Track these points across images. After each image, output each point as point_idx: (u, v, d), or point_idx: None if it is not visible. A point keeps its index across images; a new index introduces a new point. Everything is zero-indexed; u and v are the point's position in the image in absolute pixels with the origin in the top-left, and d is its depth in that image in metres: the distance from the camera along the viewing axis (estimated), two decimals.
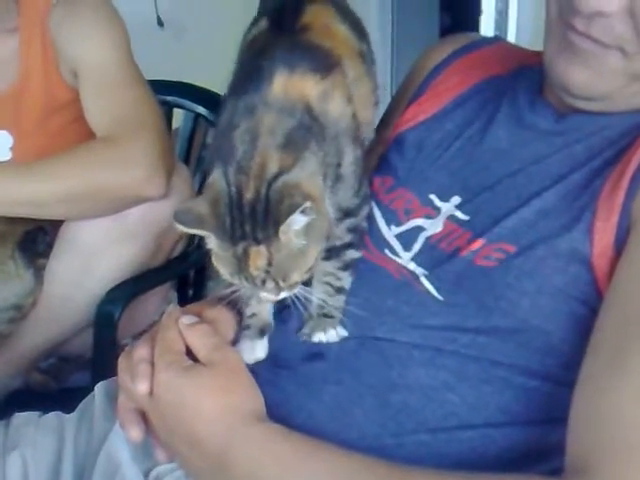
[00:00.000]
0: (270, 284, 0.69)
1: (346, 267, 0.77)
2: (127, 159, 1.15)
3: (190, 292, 1.57)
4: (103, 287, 1.23)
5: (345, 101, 0.73)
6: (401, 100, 0.93)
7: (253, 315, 0.79)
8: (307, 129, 0.68)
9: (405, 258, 0.78)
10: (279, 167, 0.66)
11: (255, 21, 0.80)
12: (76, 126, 1.29)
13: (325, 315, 0.76)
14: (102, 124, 1.19)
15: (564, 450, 0.62)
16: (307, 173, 0.67)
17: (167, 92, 1.46)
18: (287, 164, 0.66)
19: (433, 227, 0.78)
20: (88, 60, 1.22)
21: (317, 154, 0.68)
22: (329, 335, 0.76)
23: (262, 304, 0.78)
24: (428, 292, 0.74)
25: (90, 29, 1.23)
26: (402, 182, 0.83)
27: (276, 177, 0.66)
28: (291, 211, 0.65)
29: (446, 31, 3.22)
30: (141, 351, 0.78)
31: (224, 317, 0.81)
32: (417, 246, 0.78)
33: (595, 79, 0.71)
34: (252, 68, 0.71)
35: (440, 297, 0.73)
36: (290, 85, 0.69)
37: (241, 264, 0.67)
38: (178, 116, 1.59)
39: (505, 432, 0.68)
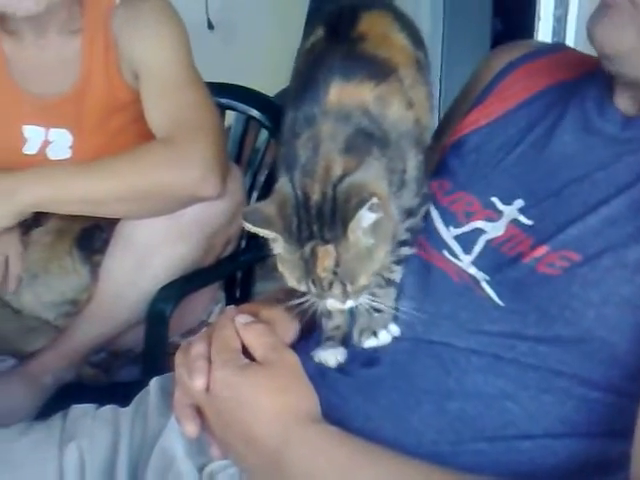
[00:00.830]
0: (337, 288, 0.69)
1: (399, 262, 0.77)
2: (185, 160, 1.17)
3: (237, 292, 1.59)
4: (156, 285, 1.26)
5: (404, 106, 0.74)
6: (461, 105, 0.93)
7: (337, 327, 0.79)
8: (367, 135, 0.69)
9: (465, 261, 0.77)
10: (343, 170, 0.67)
11: (312, 30, 0.80)
12: (135, 126, 1.32)
13: (375, 310, 0.76)
14: (161, 125, 1.22)
15: (625, 464, 0.61)
16: (371, 176, 0.68)
17: (220, 94, 1.47)
18: (351, 167, 0.67)
19: (494, 230, 0.77)
20: (149, 62, 1.25)
21: (380, 160, 0.69)
22: (381, 338, 0.75)
23: (343, 315, 0.78)
24: (488, 297, 0.73)
25: (152, 31, 1.25)
26: (462, 185, 0.82)
27: (341, 179, 0.67)
28: (359, 207, 0.65)
29: (498, 36, 3.18)
30: (198, 348, 0.79)
31: (280, 318, 0.82)
32: (477, 249, 0.77)
33: (616, 33, 0.71)
34: (309, 78, 0.72)
35: (501, 303, 0.72)
36: (346, 93, 0.70)
37: (308, 266, 0.68)
38: (229, 118, 1.62)
39: (565, 443, 0.68)
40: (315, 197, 0.67)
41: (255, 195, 1.56)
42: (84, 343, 1.30)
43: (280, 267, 0.71)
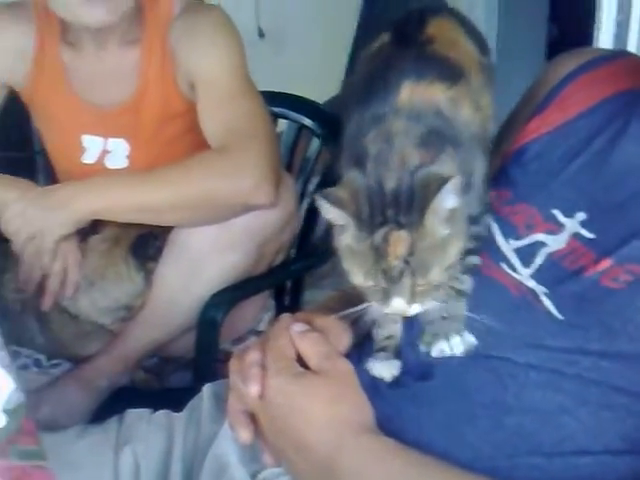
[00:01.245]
0: (407, 279, 0.66)
1: (467, 271, 0.76)
2: (238, 169, 1.19)
3: (287, 300, 1.60)
4: (208, 292, 1.27)
5: (473, 109, 0.73)
6: (521, 114, 0.92)
7: (389, 337, 0.78)
8: (440, 134, 0.69)
9: (524, 274, 0.76)
10: (419, 162, 0.66)
11: (375, 36, 0.81)
12: (189, 136, 1.34)
13: (445, 325, 0.74)
14: (216, 134, 1.24)
15: None
16: (447, 169, 0.67)
17: (273, 103, 1.49)
18: (426, 160, 0.66)
19: (556, 243, 0.76)
20: (205, 73, 1.27)
21: (454, 158, 0.69)
22: (453, 343, 0.74)
23: (396, 325, 0.78)
24: (548, 311, 0.72)
25: (208, 43, 1.27)
26: (522, 196, 0.81)
27: (418, 168, 0.66)
28: (441, 186, 0.64)
29: (554, 43, 3.13)
30: (253, 355, 0.80)
31: (334, 327, 0.82)
32: (537, 262, 0.76)
33: None
34: (377, 79, 0.73)
35: (561, 317, 0.71)
36: (418, 92, 0.70)
37: (379, 253, 0.66)
38: (281, 126, 1.63)
39: (625, 460, 0.66)
40: (390, 184, 0.66)
41: (306, 203, 1.57)
42: (138, 348, 1.32)
43: (345, 262, 0.69)
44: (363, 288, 0.70)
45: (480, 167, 0.74)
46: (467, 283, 0.76)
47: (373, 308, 0.72)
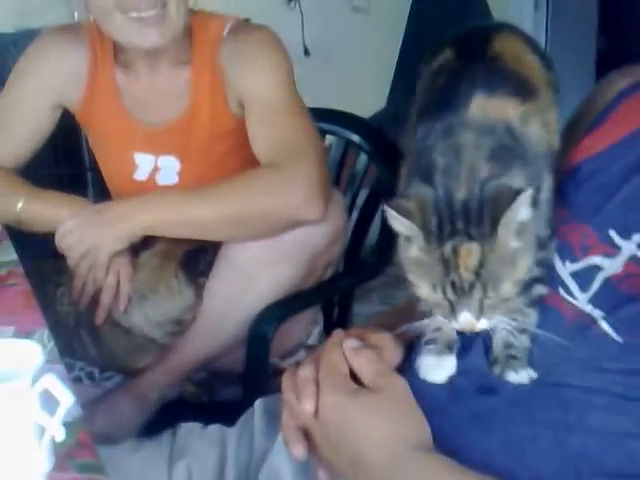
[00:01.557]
0: (478, 292, 0.66)
1: (532, 304, 0.75)
2: (289, 184, 1.20)
3: (335, 314, 1.60)
4: (258, 306, 1.28)
5: (542, 127, 0.73)
6: (575, 130, 0.91)
7: (438, 329, 0.76)
8: (510, 149, 0.68)
9: (581, 300, 0.75)
10: (489, 174, 0.66)
11: (434, 52, 0.81)
12: (239, 153, 1.36)
13: (511, 357, 0.74)
14: (266, 151, 1.25)
15: None
16: (516, 183, 0.67)
17: (321, 119, 1.50)
18: (496, 173, 0.66)
19: (612, 267, 0.75)
20: (255, 91, 1.29)
21: (522, 174, 0.68)
22: (521, 376, 0.73)
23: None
24: (606, 334, 0.71)
25: (257, 62, 1.29)
26: (578, 215, 0.80)
27: (488, 180, 0.66)
28: (515, 198, 0.63)
29: (603, 55, 3.09)
30: (306, 371, 0.80)
31: (387, 343, 0.82)
32: (595, 287, 0.75)
33: None
34: (445, 92, 0.73)
35: (620, 339, 0.70)
36: (489, 107, 0.70)
37: (448, 266, 0.65)
38: (328, 141, 1.64)
39: None
40: (460, 195, 0.66)
41: (354, 217, 1.57)
42: (188, 361, 1.33)
43: (412, 275, 0.69)
44: (429, 301, 0.69)
45: (547, 185, 0.73)
46: (532, 317, 0.75)
47: (438, 321, 0.72)
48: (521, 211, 0.65)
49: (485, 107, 0.70)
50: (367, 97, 2.82)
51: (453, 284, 0.66)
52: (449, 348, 0.76)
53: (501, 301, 0.67)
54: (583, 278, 0.76)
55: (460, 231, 0.65)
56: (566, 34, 2.98)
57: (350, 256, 1.53)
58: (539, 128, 0.72)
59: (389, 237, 1.55)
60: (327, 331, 1.50)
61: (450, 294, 0.67)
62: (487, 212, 0.65)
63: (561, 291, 0.76)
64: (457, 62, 0.76)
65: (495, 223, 0.64)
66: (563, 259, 0.78)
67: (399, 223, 0.68)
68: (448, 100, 0.71)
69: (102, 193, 1.57)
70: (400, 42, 2.80)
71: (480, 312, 0.67)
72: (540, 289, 0.76)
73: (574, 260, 0.77)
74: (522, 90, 0.72)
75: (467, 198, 0.66)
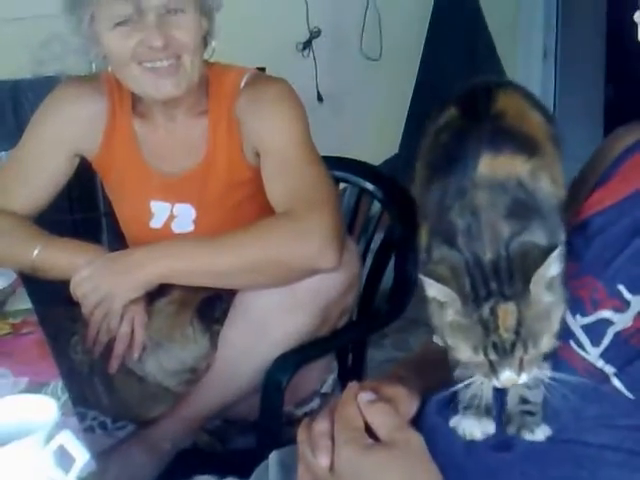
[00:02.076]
0: (519, 350, 0.67)
1: (546, 357, 0.74)
2: (304, 233, 1.21)
3: (350, 361, 1.59)
4: (272, 354, 1.28)
5: (551, 181, 0.74)
6: (584, 184, 0.92)
7: (474, 397, 0.76)
8: (525, 205, 0.69)
9: (593, 354, 0.75)
10: (511, 232, 0.67)
11: (440, 110, 0.82)
12: (254, 202, 1.37)
13: (527, 413, 0.74)
14: (281, 200, 1.27)
15: None
16: (538, 238, 0.68)
17: (335, 167, 1.51)
18: (518, 230, 0.67)
19: (622, 321, 0.75)
20: (270, 142, 1.31)
21: (542, 228, 0.69)
22: (536, 435, 0.73)
23: (485, 385, 0.76)
24: (618, 391, 0.71)
25: (273, 114, 1.31)
26: (587, 269, 0.81)
27: (511, 238, 0.67)
28: (545, 256, 0.65)
29: (611, 104, 3.12)
30: (321, 425, 0.79)
31: (403, 396, 0.81)
32: (606, 341, 0.75)
33: None
34: (452, 153, 0.74)
35: (631, 396, 0.70)
36: (497, 165, 0.71)
37: (489, 326, 0.66)
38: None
39: None
40: (488, 257, 0.67)
41: (369, 262, 1.58)
42: (202, 411, 1.32)
43: (450, 338, 0.70)
44: (470, 363, 0.70)
45: (562, 238, 0.73)
46: (546, 370, 0.74)
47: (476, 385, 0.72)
48: (552, 268, 0.66)
49: (493, 165, 0.71)
50: (380, 143, 2.85)
51: (494, 345, 0.67)
52: (488, 412, 0.77)
53: (540, 355, 0.68)
54: (594, 332, 0.76)
55: (495, 292, 0.66)
56: (575, 83, 3.01)
57: (364, 302, 1.53)
58: (549, 183, 0.73)
59: (402, 283, 1.56)
60: (342, 378, 1.49)
61: (492, 355, 0.68)
62: (518, 271, 0.66)
63: (573, 344, 0.77)
64: (461, 120, 0.77)
65: (527, 281, 0.66)
66: (574, 313, 0.78)
67: (436, 290, 0.69)
68: (456, 160, 0.72)
69: (117, 238, 1.58)
70: (412, 89, 2.84)
71: (521, 368, 0.68)
72: (554, 342, 0.76)
73: (584, 314, 0.78)
74: (527, 147, 0.73)
75: (495, 258, 0.67)
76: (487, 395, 0.76)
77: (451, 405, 0.79)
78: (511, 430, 0.75)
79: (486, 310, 0.66)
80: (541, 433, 0.73)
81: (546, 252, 0.65)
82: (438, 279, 0.68)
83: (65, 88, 1.42)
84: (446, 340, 0.70)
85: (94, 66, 1.38)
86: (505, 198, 0.69)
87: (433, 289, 0.69)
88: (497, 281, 0.66)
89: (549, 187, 0.73)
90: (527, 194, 0.70)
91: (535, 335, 0.67)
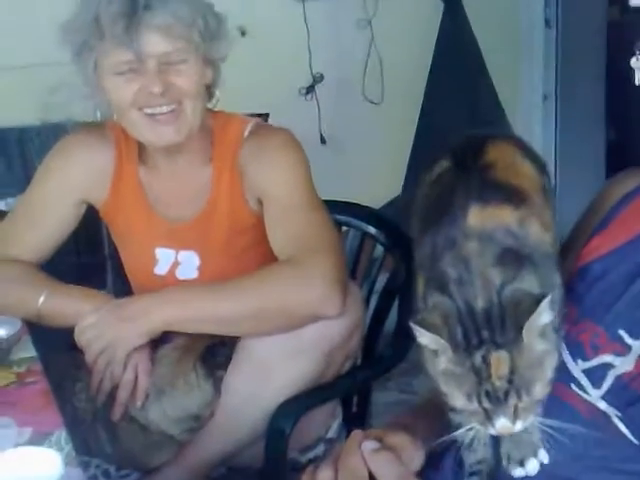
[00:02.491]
0: (513, 398, 0.67)
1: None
2: (307, 280, 1.21)
3: (354, 407, 1.58)
4: (276, 401, 1.27)
5: (542, 228, 0.75)
6: (584, 229, 0.93)
7: (482, 461, 0.77)
8: (515, 253, 0.70)
9: (594, 396, 0.75)
10: (502, 280, 0.68)
11: (434, 161, 0.84)
12: (257, 248, 1.38)
13: (521, 447, 0.73)
14: (284, 247, 1.28)
15: None
16: (529, 286, 0.68)
17: (337, 212, 1.53)
18: (508, 277, 0.68)
19: (624, 365, 0.76)
20: (272, 189, 1.32)
21: (534, 276, 0.70)
22: (529, 467, 0.73)
23: (488, 448, 0.77)
24: (621, 434, 0.71)
25: (276, 163, 1.33)
26: (588, 314, 0.82)
27: (502, 287, 0.68)
28: (536, 304, 0.65)
29: (613, 148, 3.13)
30: (325, 473, 0.79)
31: (407, 445, 0.81)
32: (607, 384, 0.76)
33: None
34: (443, 205, 0.75)
35: (635, 441, 0.70)
36: (486, 215, 0.72)
37: (481, 374, 0.67)
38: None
39: None
40: (479, 305, 0.68)
41: (373, 304, 1.58)
42: (206, 459, 1.31)
43: (444, 386, 0.70)
44: (464, 410, 0.70)
45: (557, 283, 0.74)
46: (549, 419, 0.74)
47: (468, 431, 0.72)
48: (544, 316, 0.67)
49: (482, 216, 0.72)
50: (382, 184, 2.87)
51: (487, 393, 0.67)
52: (491, 477, 0.77)
53: (534, 402, 0.68)
54: (595, 375, 0.77)
55: (487, 340, 0.67)
56: (576, 126, 3.03)
57: (368, 344, 1.53)
58: (538, 229, 0.74)
59: (406, 326, 1.55)
60: (347, 423, 1.48)
61: (486, 403, 0.68)
62: (510, 319, 0.67)
63: (575, 388, 0.77)
64: (453, 172, 0.79)
65: (519, 329, 0.66)
66: (575, 358, 0.79)
67: (427, 339, 0.70)
68: (446, 211, 0.74)
69: (121, 281, 1.59)
70: (413, 132, 2.87)
71: (515, 416, 0.68)
72: (548, 389, 0.75)
73: (585, 358, 0.78)
74: (515, 197, 0.74)
75: (487, 306, 0.68)
76: (489, 460, 0.76)
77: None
78: (503, 452, 0.74)
79: (478, 358, 0.67)
80: (535, 463, 0.72)
81: (537, 300, 0.66)
82: (429, 328, 0.69)
83: (73, 137, 1.44)
84: (440, 388, 0.70)
85: (99, 113, 1.40)
86: (495, 247, 0.70)
87: (424, 338, 0.70)
88: (489, 329, 0.67)
89: (539, 233, 0.74)
90: (517, 241, 0.71)
91: (528, 383, 0.67)
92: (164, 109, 1.27)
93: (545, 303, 0.66)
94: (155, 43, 1.23)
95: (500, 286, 0.68)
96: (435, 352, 0.70)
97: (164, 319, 1.24)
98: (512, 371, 0.66)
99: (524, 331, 0.66)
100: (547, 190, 0.81)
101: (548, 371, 0.68)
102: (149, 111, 1.28)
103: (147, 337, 1.26)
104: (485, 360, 0.66)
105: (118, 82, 1.27)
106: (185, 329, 1.26)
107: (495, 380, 0.66)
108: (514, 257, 0.70)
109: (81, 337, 1.28)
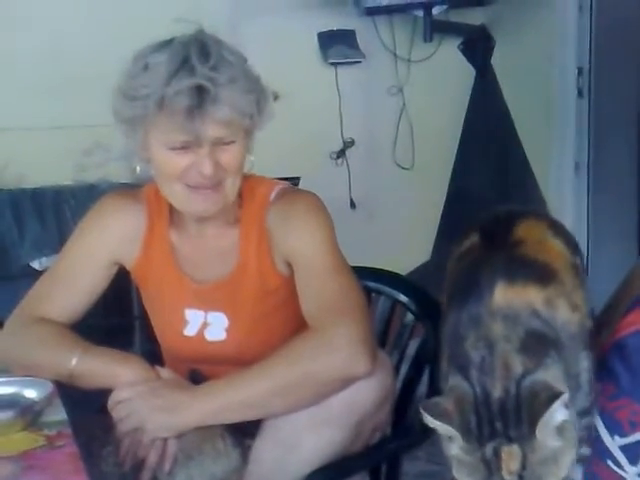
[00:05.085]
0: None
1: (578, 460, 0.74)
2: (333, 346, 1.22)
3: (383, 478, 1.55)
4: (304, 470, 1.25)
5: (570, 309, 0.74)
6: (619, 304, 0.92)
7: None
8: (541, 336, 0.70)
9: (630, 473, 0.75)
10: (523, 369, 0.67)
11: (465, 234, 0.84)
12: (285, 309, 1.39)
13: None
14: (311, 311, 1.29)
15: None
16: (553, 376, 0.67)
17: (367, 278, 1.53)
18: (530, 366, 0.67)
19: None
20: (300, 253, 1.34)
21: (558, 362, 0.69)
22: None
23: None
24: None
25: (303, 225, 1.35)
26: (625, 390, 0.81)
27: (523, 377, 0.67)
28: (550, 402, 0.64)
29: None
30: None
31: None
32: None
33: None
34: (470, 281, 0.75)
35: None
36: (512, 294, 0.72)
37: (491, 468, 0.66)
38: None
39: None
40: (497, 394, 0.67)
41: (404, 370, 1.56)
42: None
43: (455, 470, 0.70)
44: None
45: (585, 365, 0.73)
46: (578, 473, 0.75)
47: None
48: (557, 414, 0.66)
49: (508, 295, 0.72)
50: (411, 249, 2.88)
51: None
52: None
53: None
54: (632, 451, 0.76)
55: (499, 432, 0.66)
56: (608, 197, 3.01)
57: (398, 413, 1.50)
58: (567, 310, 0.73)
59: (437, 395, 1.52)
60: None
61: None
62: (525, 413, 0.66)
63: (610, 463, 0.77)
64: (481, 248, 0.79)
65: (533, 425, 0.65)
66: (612, 434, 0.78)
67: (436, 425, 0.69)
68: (472, 288, 0.74)
69: (150, 342, 1.59)
70: (443, 198, 2.88)
71: None
72: (585, 450, 0.76)
73: (623, 435, 0.78)
74: (542, 275, 0.74)
75: (504, 396, 0.67)
76: None
77: None
78: None
79: (489, 450, 0.66)
80: None
81: (552, 397, 0.64)
82: (438, 415, 0.68)
83: (108, 201, 1.47)
84: (454, 473, 0.70)
85: (138, 169, 1.41)
86: (520, 329, 0.70)
87: (433, 425, 0.69)
88: (503, 421, 0.66)
89: (567, 314, 0.73)
90: (543, 323, 0.71)
91: (539, 479, 0.65)
92: (208, 185, 1.30)
93: (558, 403, 0.65)
94: (214, 130, 1.27)
95: (521, 375, 0.67)
96: (450, 437, 0.69)
97: (198, 416, 1.24)
98: (523, 466, 0.65)
99: (537, 428, 0.64)
100: (578, 268, 0.81)
101: (563, 468, 0.67)
102: (192, 184, 1.30)
103: (177, 432, 1.26)
104: (496, 453, 0.66)
105: (169, 155, 1.30)
106: (219, 422, 1.27)
107: (505, 474, 0.65)
108: (539, 342, 0.69)
109: (113, 410, 1.28)
